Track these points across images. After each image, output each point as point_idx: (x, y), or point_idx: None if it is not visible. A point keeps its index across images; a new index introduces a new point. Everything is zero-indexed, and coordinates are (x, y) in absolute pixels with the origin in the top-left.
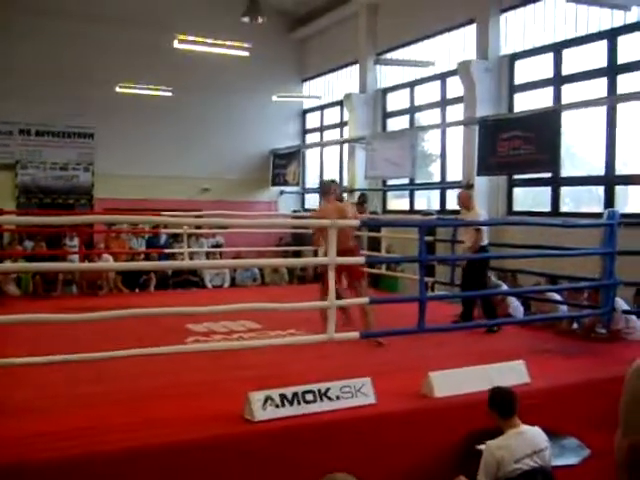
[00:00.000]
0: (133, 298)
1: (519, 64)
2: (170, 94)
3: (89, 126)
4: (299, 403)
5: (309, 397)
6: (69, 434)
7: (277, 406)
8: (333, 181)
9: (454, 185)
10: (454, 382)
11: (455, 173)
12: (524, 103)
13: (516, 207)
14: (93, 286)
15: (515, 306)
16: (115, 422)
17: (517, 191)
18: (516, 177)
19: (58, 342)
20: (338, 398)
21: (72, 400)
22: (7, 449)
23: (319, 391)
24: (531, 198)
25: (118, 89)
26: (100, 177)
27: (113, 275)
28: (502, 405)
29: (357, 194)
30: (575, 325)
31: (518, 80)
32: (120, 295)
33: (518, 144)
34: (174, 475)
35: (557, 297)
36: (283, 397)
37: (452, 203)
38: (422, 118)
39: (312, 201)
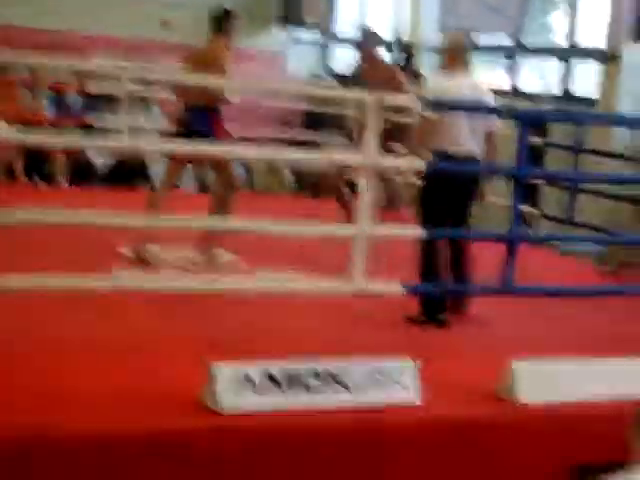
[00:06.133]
0: (36, 195)
1: None
2: None
3: None
4: (296, 389)
5: (313, 381)
6: None
7: (259, 391)
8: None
9: (590, 52)
10: (552, 381)
11: (591, 35)
12: None
13: None
14: None
15: None
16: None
17: None
18: None
19: None
20: (360, 388)
21: None
22: None
23: (330, 373)
24: None
25: None
26: None
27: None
28: None
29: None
30: None
31: None
32: (15, 187)
33: None
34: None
35: None
36: (270, 377)
37: (584, 84)
38: None
39: (344, 58)
